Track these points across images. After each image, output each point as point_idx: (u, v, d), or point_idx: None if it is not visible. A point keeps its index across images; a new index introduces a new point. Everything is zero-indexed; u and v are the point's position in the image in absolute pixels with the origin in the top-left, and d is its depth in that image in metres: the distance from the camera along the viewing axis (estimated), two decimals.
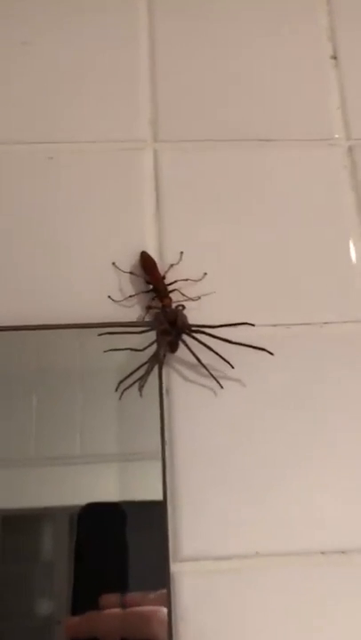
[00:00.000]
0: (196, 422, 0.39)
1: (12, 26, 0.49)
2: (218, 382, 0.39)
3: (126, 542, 0.36)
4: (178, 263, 0.42)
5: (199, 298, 0.41)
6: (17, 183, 0.45)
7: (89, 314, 0.41)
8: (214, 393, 0.40)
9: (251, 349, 0.39)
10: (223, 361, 0.39)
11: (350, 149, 0.47)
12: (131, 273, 0.42)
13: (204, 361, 0.39)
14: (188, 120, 0.47)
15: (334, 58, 0.50)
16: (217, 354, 0.39)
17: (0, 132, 0.46)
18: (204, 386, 0.40)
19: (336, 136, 0.47)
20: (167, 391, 0.39)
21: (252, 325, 0.39)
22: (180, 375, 0.40)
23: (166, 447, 0.38)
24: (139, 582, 0.35)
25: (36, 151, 0.45)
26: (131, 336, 0.39)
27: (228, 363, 0.39)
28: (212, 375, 0.39)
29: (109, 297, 0.41)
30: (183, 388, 0.40)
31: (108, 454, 0.39)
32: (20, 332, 0.40)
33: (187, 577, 0.36)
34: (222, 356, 0.39)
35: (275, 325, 0.41)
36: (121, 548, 0.36)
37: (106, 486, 0.38)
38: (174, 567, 0.36)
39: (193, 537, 0.36)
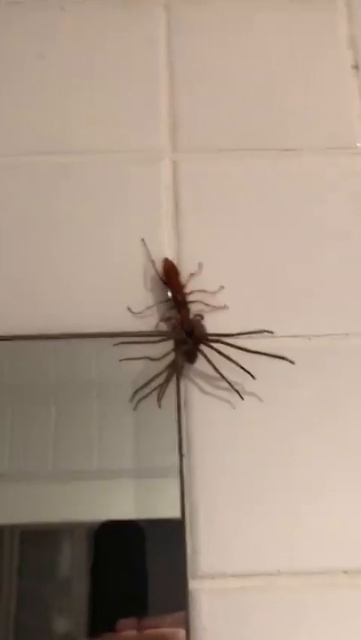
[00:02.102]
0: (215, 436, 0.38)
1: (28, 39, 0.49)
2: (238, 393, 0.38)
3: (145, 562, 0.35)
4: (197, 274, 0.42)
5: (225, 306, 0.40)
6: (36, 194, 0.45)
7: (106, 324, 0.40)
8: (233, 406, 0.39)
9: (271, 360, 0.38)
10: (242, 373, 0.38)
11: None
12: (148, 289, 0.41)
13: (223, 373, 0.38)
14: (207, 130, 0.46)
15: (355, 67, 0.49)
16: (236, 363, 0.38)
17: (19, 143, 0.46)
18: (222, 399, 0.39)
19: (358, 145, 0.47)
20: (185, 404, 0.39)
21: (271, 333, 0.39)
22: (199, 388, 0.39)
23: (184, 461, 0.37)
24: (157, 603, 0.34)
25: (54, 161, 0.45)
26: (148, 347, 0.39)
27: (249, 372, 0.38)
28: (232, 386, 0.38)
29: (128, 309, 0.41)
30: (202, 400, 0.39)
31: (124, 469, 0.38)
32: (36, 341, 0.40)
33: (205, 595, 0.35)
34: (242, 365, 0.38)
35: (295, 336, 0.40)
36: (139, 568, 0.35)
37: (123, 503, 0.37)
38: (193, 584, 0.35)
39: (212, 554, 0.35)
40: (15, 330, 0.40)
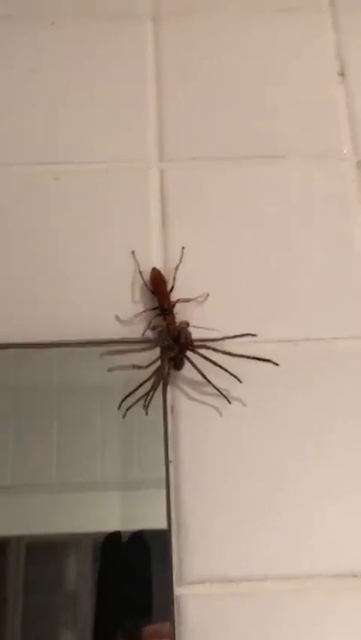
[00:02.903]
0: (203, 443, 0.38)
1: (20, 53, 0.50)
2: (226, 398, 0.39)
3: (150, 572, 0.35)
4: (184, 280, 0.42)
5: (204, 298, 0.40)
6: (25, 204, 0.45)
7: (95, 331, 0.40)
8: (221, 414, 0.39)
9: (259, 367, 0.38)
10: (229, 379, 0.38)
11: (359, 164, 0.46)
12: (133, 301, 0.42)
13: (210, 380, 0.38)
14: (193, 139, 0.47)
15: (341, 75, 0.50)
16: (222, 368, 0.38)
17: (9, 153, 0.47)
18: (210, 407, 0.39)
19: (344, 151, 0.47)
20: (172, 412, 0.39)
21: (255, 335, 0.39)
22: (186, 396, 0.40)
23: (171, 468, 0.37)
24: (147, 613, 0.35)
25: (45, 171, 0.46)
26: (136, 354, 0.39)
27: (235, 376, 0.38)
28: (219, 391, 0.38)
29: (117, 317, 0.41)
30: (189, 409, 0.39)
31: (112, 480, 0.38)
32: (22, 349, 0.40)
33: (193, 601, 0.35)
34: (228, 370, 0.38)
35: (282, 341, 0.41)
36: (145, 579, 0.35)
37: (110, 514, 0.37)
38: (179, 590, 0.35)
39: (199, 559, 0.35)
40: (5, 338, 0.40)
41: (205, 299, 0.41)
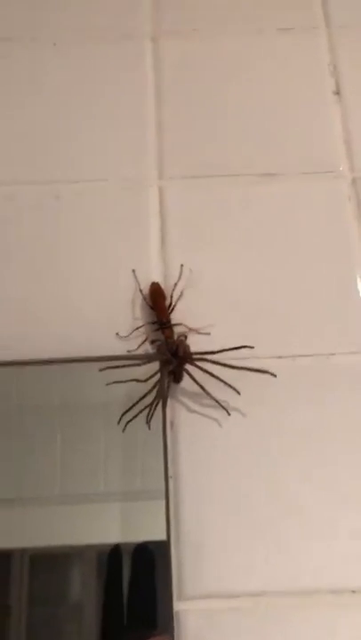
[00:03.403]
0: (202, 457, 0.39)
1: (22, 73, 0.51)
2: (224, 408, 0.39)
3: (154, 583, 0.36)
4: (183, 297, 0.43)
5: (209, 334, 0.41)
6: (27, 222, 0.46)
7: (96, 347, 0.41)
8: (221, 427, 0.39)
9: (259, 383, 0.39)
10: (228, 392, 0.39)
11: (354, 181, 0.47)
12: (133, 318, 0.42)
13: (208, 392, 0.39)
14: (192, 157, 0.48)
15: (337, 93, 0.51)
16: (221, 380, 0.39)
17: (10, 172, 0.48)
18: (209, 419, 0.40)
19: (340, 168, 0.48)
20: (172, 424, 0.39)
21: (251, 348, 0.39)
22: (186, 409, 0.40)
23: (171, 482, 0.38)
24: (148, 625, 0.35)
25: (45, 191, 0.47)
26: (135, 369, 0.40)
27: (234, 388, 0.39)
28: (218, 402, 0.39)
29: (117, 333, 0.42)
30: (188, 422, 0.40)
31: (113, 492, 0.38)
32: (26, 366, 0.40)
33: (192, 616, 0.35)
34: (226, 381, 0.39)
35: (280, 357, 0.41)
36: (149, 590, 0.35)
37: (111, 525, 0.37)
38: (179, 605, 0.35)
39: (198, 575, 0.36)
40: (8, 356, 0.41)
41: (208, 333, 0.42)
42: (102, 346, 0.41)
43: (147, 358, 0.40)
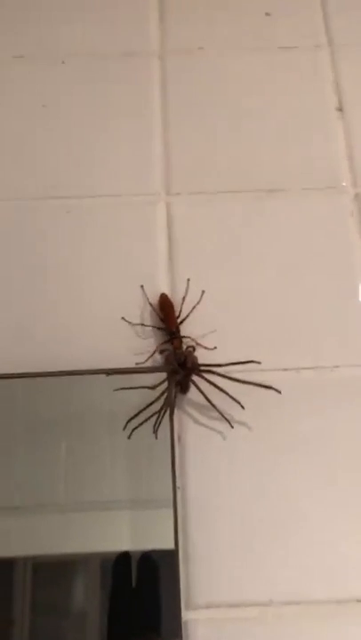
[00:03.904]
0: (209, 468, 0.39)
1: (32, 90, 0.53)
2: (229, 422, 0.40)
3: (158, 591, 0.36)
4: (191, 310, 0.44)
5: (215, 348, 0.42)
6: (37, 236, 0.47)
7: (104, 359, 0.42)
8: (227, 440, 0.40)
9: (264, 395, 0.40)
10: (233, 405, 0.40)
11: (357, 196, 0.48)
12: (142, 325, 0.43)
13: (213, 403, 0.39)
14: (198, 174, 0.49)
15: (340, 110, 0.52)
16: (226, 393, 0.39)
17: (23, 188, 0.49)
18: (216, 431, 0.40)
19: (343, 184, 0.49)
20: (179, 437, 0.40)
21: (259, 363, 0.40)
22: (193, 421, 0.41)
23: (179, 493, 0.38)
24: (155, 634, 0.35)
25: (56, 205, 0.48)
26: (144, 379, 0.40)
27: (238, 402, 0.39)
28: (222, 415, 0.40)
29: (126, 344, 0.43)
30: (196, 434, 0.40)
31: (119, 500, 0.39)
32: (33, 378, 0.41)
33: (200, 625, 0.35)
34: (232, 396, 0.39)
35: (285, 370, 0.42)
36: (153, 599, 0.36)
37: (117, 533, 0.38)
38: (187, 615, 0.36)
39: (206, 584, 0.36)
40: (17, 368, 0.42)
41: (211, 330, 0.43)
42: (111, 358, 0.42)
43: (155, 370, 0.41)
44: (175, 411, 0.40)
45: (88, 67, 0.54)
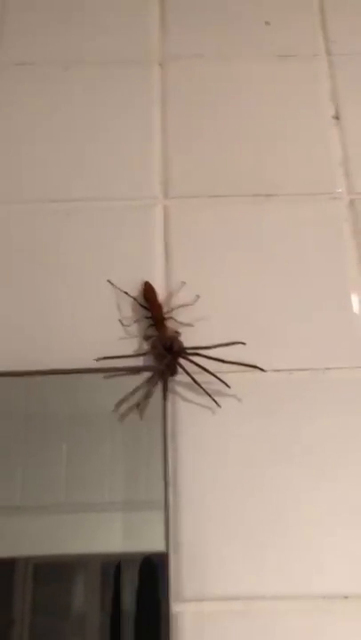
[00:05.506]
0: (201, 464, 0.40)
1: (35, 96, 0.54)
2: (215, 401, 0.40)
3: (159, 595, 0.36)
4: (186, 309, 0.44)
5: (192, 325, 0.42)
6: (37, 239, 0.48)
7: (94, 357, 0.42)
8: (219, 437, 0.41)
9: (258, 392, 0.41)
10: (227, 406, 0.41)
11: (351, 203, 0.49)
12: (134, 322, 0.44)
13: (201, 385, 0.40)
14: (196, 178, 0.50)
15: (336, 118, 0.53)
16: (212, 373, 0.40)
17: (23, 191, 0.50)
18: (209, 429, 0.41)
19: (338, 190, 0.50)
20: (172, 434, 0.41)
21: (243, 344, 0.41)
22: (187, 418, 0.41)
23: (170, 490, 0.39)
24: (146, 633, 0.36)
25: (56, 209, 0.49)
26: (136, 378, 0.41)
27: (224, 382, 0.40)
28: (208, 394, 0.40)
29: (120, 343, 0.44)
30: (189, 430, 0.41)
31: (113, 502, 0.39)
32: (31, 377, 0.42)
33: (188, 618, 0.36)
34: (218, 376, 0.40)
35: (277, 370, 0.43)
36: (155, 602, 0.36)
37: (114, 534, 0.38)
38: (175, 607, 0.36)
39: (196, 577, 0.37)
40: (16, 366, 0.43)
41: (206, 327, 0.43)
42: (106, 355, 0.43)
43: (146, 370, 0.41)
44: (169, 409, 0.41)
45: (90, 73, 0.55)
